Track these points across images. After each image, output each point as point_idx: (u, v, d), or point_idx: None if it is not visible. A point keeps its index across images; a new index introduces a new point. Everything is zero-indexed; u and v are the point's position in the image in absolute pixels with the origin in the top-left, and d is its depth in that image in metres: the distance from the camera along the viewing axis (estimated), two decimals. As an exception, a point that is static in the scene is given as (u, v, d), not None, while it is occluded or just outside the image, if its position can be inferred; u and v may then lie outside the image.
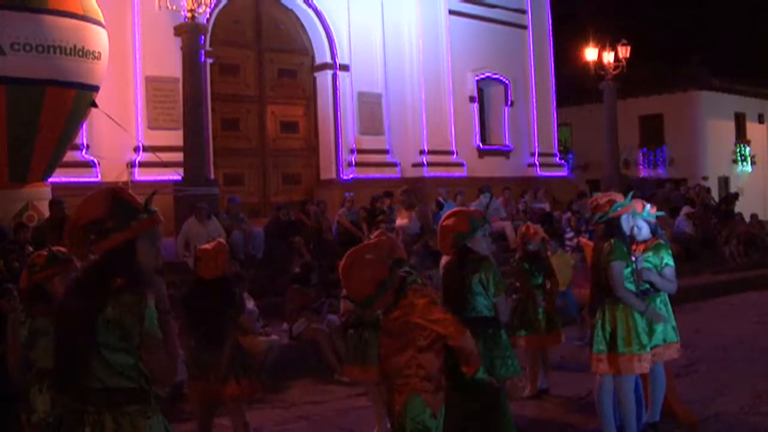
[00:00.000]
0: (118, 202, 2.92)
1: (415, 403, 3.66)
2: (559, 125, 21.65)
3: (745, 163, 29.40)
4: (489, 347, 4.64)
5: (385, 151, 16.80)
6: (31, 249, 8.20)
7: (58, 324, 2.99)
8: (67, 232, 2.99)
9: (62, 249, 4.58)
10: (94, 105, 10.92)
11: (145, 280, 2.90)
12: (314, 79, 16.39)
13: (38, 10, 9.69)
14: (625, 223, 5.20)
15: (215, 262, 5.28)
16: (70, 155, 11.74)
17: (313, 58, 16.35)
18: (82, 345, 2.81)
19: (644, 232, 5.51)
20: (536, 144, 19.69)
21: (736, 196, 20.53)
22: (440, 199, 14.49)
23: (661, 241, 5.61)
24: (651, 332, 5.24)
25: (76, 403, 2.85)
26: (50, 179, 10.86)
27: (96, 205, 2.92)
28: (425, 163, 17.12)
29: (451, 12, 17.74)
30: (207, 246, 5.49)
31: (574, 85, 23.36)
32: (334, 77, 16.11)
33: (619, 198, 5.23)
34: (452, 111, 17.56)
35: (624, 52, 19.27)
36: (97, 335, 2.78)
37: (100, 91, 10.93)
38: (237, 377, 5.19)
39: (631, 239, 5.33)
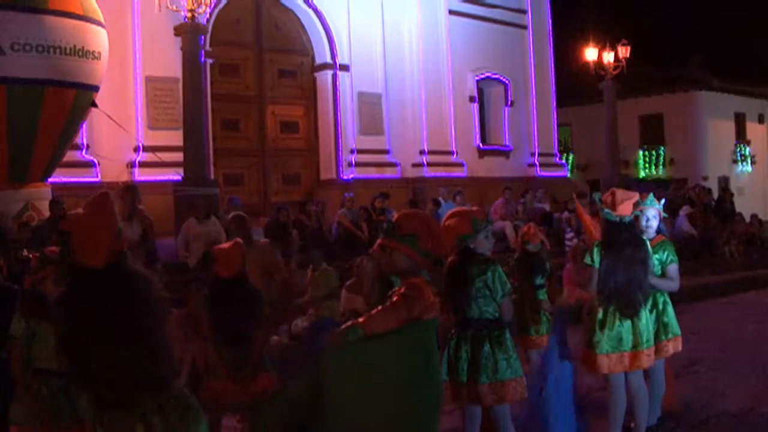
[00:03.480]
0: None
1: None
2: (559, 125, 21.66)
3: (745, 163, 29.41)
4: (494, 349, 4.63)
5: (385, 151, 16.80)
6: (25, 251, 8.19)
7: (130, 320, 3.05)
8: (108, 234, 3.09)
9: (54, 249, 4.58)
10: (94, 105, 10.92)
11: None
12: (314, 79, 16.39)
13: (38, 10, 9.70)
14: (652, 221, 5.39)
15: (229, 261, 5.30)
16: (70, 155, 11.74)
17: (313, 58, 16.35)
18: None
19: (655, 223, 5.49)
20: (536, 144, 19.71)
21: (731, 194, 20.52)
22: (440, 198, 14.48)
23: (666, 239, 5.65)
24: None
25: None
26: (50, 179, 10.86)
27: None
28: (425, 163, 17.12)
29: (451, 12, 17.75)
30: (223, 245, 5.52)
31: (574, 85, 23.36)
32: (334, 77, 16.12)
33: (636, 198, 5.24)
34: (452, 111, 17.56)
35: (624, 52, 19.27)
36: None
37: (100, 91, 10.94)
38: (267, 372, 5.24)
39: (641, 231, 5.36)
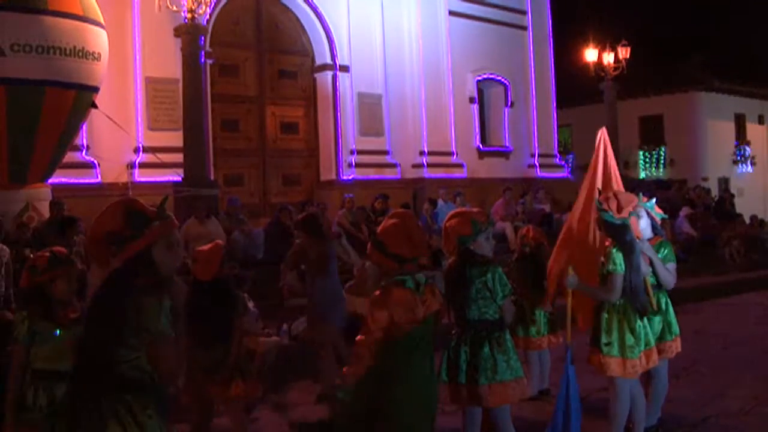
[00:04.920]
0: (131, 213, 3.15)
1: None
2: (559, 126, 21.66)
3: (745, 164, 29.40)
4: (494, 350, 4.62)
5: (385, 152, 16.80)
6: (28, 251, 8.19)
7: (88, 324, 3.21)
8: (88, 245, 3.25)
9: (63, 250, 4.58)
10: (94, 106, 10.91)
11: (163, 282, 3.15)
12: (314, 79, 16.39)
13: (38, 11, 9.69)
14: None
15: (209, 263, 5.27)
16: (70, 156, 11.74)
17: (313, 58, 16.35)
18: (109, 344, 3.05)
19: (643, 222, 5.49)
20: (536, 145, 19.71)
21: (731, 195, 20.54)
22: (439, 200, 14.49)
23: (664, 239, 5.69)
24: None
25: (85, 395, 3.03)
26: (50, 180, 10.86)
27: (111, 218, 3.15)
28: (425, 164, 17.12)
29: (451, 13, 17.76)
30: (203, 247, 5.48)
31: (574, 86, 23.36)
32: (334, 78, 16.12)
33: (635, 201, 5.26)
34: (452, 112, 17.57)
35: (624, 52, 19.28)
36: (122, 333, 3.04)
37: (100, 92, 10.93)
38: (243, 377, 5.20)
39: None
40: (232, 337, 5.23)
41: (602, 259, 5.14)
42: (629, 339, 5.04)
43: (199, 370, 5.10)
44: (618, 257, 5.01)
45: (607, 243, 5.15)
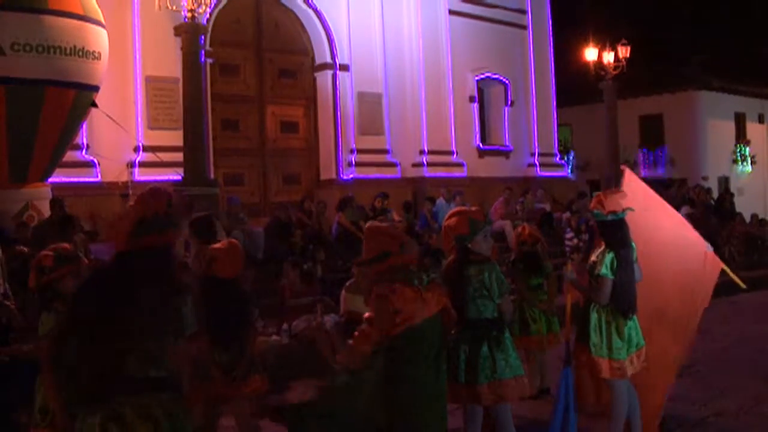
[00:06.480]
0: (173, 204, 3.20)
1: None
2: (559, 125, 21.65)
3: (745, 163, 29.36)
4: (492, 349, 4.63)
5: (385, 151, 16.80)
6: (25, 249, 8.18)
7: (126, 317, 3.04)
8: (127, 222, 3.10)
9: (68, 247, 4.59)
10: (94, 105, 10.92)
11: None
12: (314, 79, 16.39)
13: (38, 11, 9.70)
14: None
15: (234, 261, 5.26)
16: (70, 155, 11.75)
17: (313, 58, 16.35)
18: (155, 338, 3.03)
19: None
20: (536, 144, 19.71)
21: (731, 194, 20.55)
22: (440, 199, 14.48)
23: None
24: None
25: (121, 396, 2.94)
26: (50, 179, 10.87)
27: (161, 200, 3.14)
28: (425, 163, 17.12)
29: (451, 12, 17.76)
30: (218, 245, 5.45)
31: (574, 85, 23.34)
32: (334, 77, 16.12)
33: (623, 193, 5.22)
34: (452, 111, 17.56)
35: (624, 52, 19.28)
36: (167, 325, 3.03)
37: (100, 91, 10.94)
38: (259, 373, 5.22)
39: None
40: (249, 333, 5.26)
41: (594, 258, 5.13)
42: (617, 342, 5.02)
43: (216, 368, 5.11)
44: (609, 260, 4.99)
45: (602, 245, 5.14)
